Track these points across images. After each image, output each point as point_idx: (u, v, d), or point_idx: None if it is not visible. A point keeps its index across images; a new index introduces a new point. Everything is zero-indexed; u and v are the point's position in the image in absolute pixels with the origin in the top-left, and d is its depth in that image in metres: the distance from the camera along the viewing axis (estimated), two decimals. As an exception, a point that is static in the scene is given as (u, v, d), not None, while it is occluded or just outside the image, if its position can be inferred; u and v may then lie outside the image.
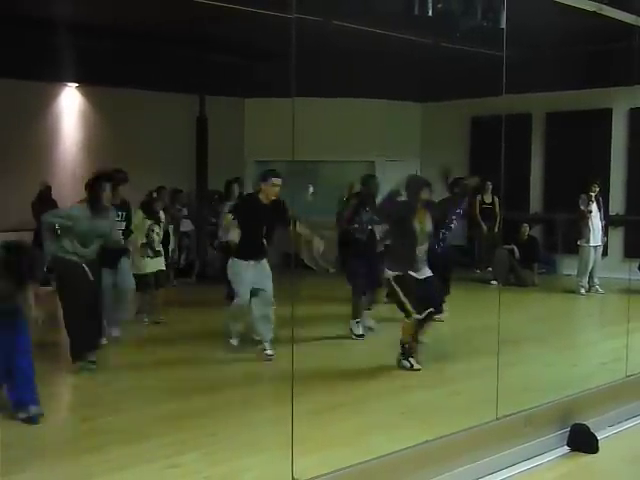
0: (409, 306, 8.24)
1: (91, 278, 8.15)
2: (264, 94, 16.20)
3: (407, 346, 8.39)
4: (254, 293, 8.83)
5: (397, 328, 8.57)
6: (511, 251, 14.87)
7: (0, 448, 5.22)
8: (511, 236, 15.02)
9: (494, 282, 14.62)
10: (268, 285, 8.88)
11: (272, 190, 8.82)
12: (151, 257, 10.68)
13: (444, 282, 10.59)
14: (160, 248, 10.91)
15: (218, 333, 9.54)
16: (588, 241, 13.72)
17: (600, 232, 13.82)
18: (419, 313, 8.24)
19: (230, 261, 9.02)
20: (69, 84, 15.15)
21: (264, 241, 8.98)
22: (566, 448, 6.43)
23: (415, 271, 8.33)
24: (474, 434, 5.95)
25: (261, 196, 8.91)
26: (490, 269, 15.68)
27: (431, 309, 8.34)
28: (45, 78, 14.12)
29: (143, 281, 10.46)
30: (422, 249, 8.42)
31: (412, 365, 8.31)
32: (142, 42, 13.98)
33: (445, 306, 10.17)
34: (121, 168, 9.84)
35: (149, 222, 10.75)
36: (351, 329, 10.08)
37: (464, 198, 11.17)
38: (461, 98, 17.28)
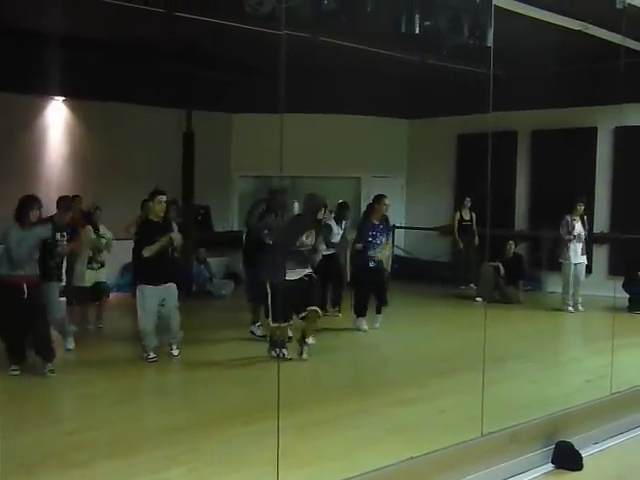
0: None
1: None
2: (252, 109, 16.22)
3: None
4: None
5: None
6: (496, 268, 14.89)
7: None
8: (496, 253, 15.05)
9: (479, 299, 14.65)
10: None
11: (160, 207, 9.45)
12: (94, 269, 11.06)
13: (381, 294, 11.59)
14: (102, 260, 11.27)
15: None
16: (569, 258, 13.76)
17: (581, 250, 13.84)
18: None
19: None
20: (56, 97, 15.11)
21: None
22: (551, 465, 6.43)
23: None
24: (459, 451, 5.95)
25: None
26: (472, 285, 15.76)
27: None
28: (31, 91, 14.08)
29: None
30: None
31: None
32: (130, 56, 13.99)
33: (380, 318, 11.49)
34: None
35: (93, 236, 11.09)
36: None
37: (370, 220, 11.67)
38: (448, 115, 17.35)
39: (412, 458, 5.69)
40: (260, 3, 8.26)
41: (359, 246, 11.46)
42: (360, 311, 11.56)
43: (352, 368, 9.54)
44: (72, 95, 14.90)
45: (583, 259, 13.97)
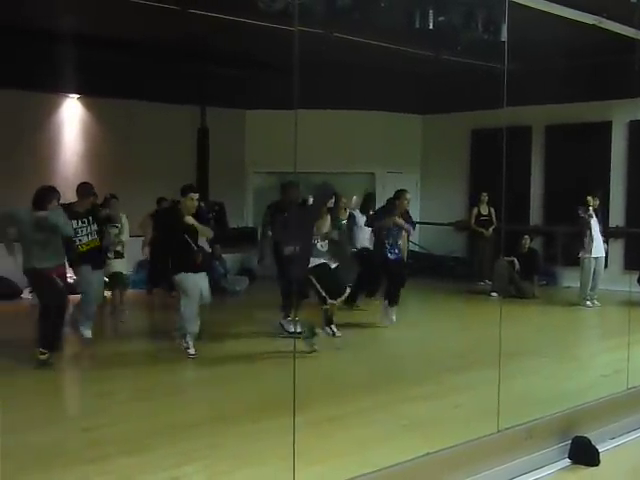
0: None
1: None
2: (265, 106, 16.23)
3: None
4: None
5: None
6: (511, 263, 14.85)
7: (0, 458, 5.21)
8: (511, 248, 15.02)
9: (494, 294, 14.62)
10: None
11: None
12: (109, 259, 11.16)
13: (396, 288, 11.51)
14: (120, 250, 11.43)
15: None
16: (589, 252, 13.70)
17: (601, 243, 13.80)
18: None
19: None
20: (71, 95, 15.17)
21: None
22: (567, 461, 6.41)
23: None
24: (475, 446, 5.94)
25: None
26: (488, 281, 15.74)
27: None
28: (47, 89, 14.15)
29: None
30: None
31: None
32: (144, 54, 14.03)
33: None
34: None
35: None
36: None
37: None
38: (461, 110, 17.31)
39: (428, 454, 5.68)
40: (274, 0, 8.27)
41: (381, 241, 11.37)
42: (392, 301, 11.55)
43: (367, 364, 9.51)
44: (87, 92, 14.95)
45: (603, 252, 13.90)
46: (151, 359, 9.41)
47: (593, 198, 13.71)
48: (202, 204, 13.79)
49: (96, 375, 8.69)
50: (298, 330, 9.79)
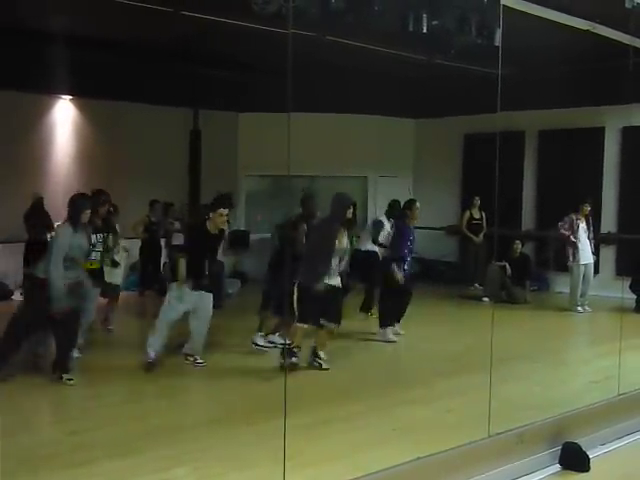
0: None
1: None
2: (258, 109, 16.22)
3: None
4: None
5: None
6: (503, 268, 14.86)
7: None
8: (503, 253, 15.02)
9: (485, 299, 14.62)
10: None
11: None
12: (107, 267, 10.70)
13: (402, 302, 11.17)
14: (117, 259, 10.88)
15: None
16: (577, 260, 13.71)
17: (589, 250, 13.81)
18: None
19: None
20: (63, 96, 15.13)
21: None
22: (558, 466, 6.41)
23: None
24: (466, 451, 5.94)
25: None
26: (477, 285, 15.76)
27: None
28: (39, 90, 14.10)
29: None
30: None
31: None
32: (137, 55, 14.01)
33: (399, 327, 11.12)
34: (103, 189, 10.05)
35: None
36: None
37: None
38: (455, 115, 17.33)
39: (419, 458, 5.68)
40: (267, 2, 8.24)
41: (396, 254, 10.92)
42: (390, 321, 11.06)
43: (358, 369, 9.51)
44: (79, 94, 14.92)
45: (591, 259, 13.93)
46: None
47: (587, 205, 13.75)
48: (172, 208, 13.77)
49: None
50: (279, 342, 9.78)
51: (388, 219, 12.40)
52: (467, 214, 16.53)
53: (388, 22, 9.92)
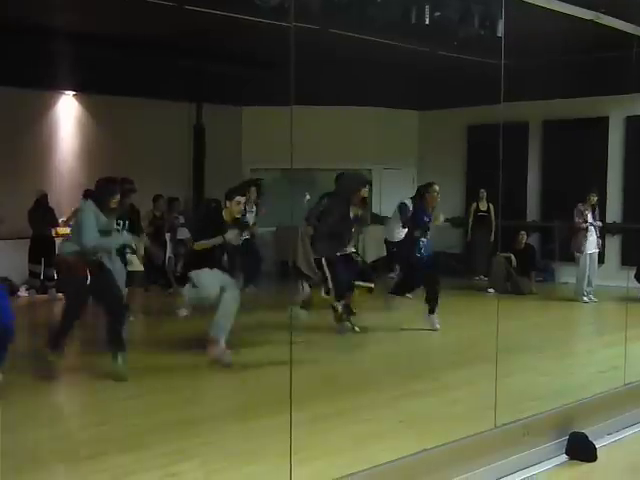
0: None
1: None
2: (262, 102, 16.21)
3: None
4: None
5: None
6: (508, 259, 14.84)
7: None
8: (508, 244, 15.01)
9: (491, 290, 14.62)
10: None
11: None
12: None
13: (434, 289, 11.21)
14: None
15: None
16: (584, 249, 13.70)
17: (595, 239, 13.80)
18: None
19: None
20: (66, 92, 15.15)
21: None
22: (564, 457, 6.40)
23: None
24: (472, 442, 5.93)
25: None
26: (483, 277, 15.75)
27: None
28: (42, 86, 14.12)
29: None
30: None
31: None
32: (140, 50, 14.00)
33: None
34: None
35: None
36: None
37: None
38: (458, 106, 17.30)
39: (425, 450, 5.68)
40: (269, -5, 8.24)
41: (416, 233, 11.02)
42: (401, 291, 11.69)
43: (364, 361, 9.52)
44: (82, 90, 14.93)
45: (597, 248, 13.91)
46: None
47: (594, 195, 13.73)
48: (177, 202, 13.83)
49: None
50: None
51: (413, 204, 11.80)
52: (473, 206, 16.54)
53: (391, 14, 9.92)
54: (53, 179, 14.65)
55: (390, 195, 13.15)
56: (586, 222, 13.62)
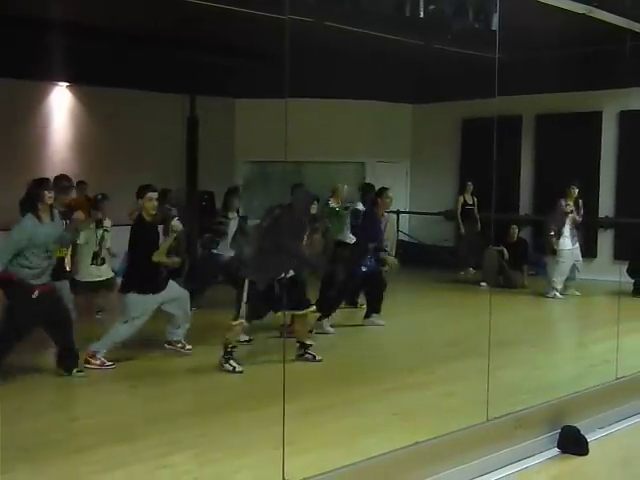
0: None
1: None
2: (255, 95, 16.19)
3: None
4: None
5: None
6: (501, 252, 14.85)
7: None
8: (500, 237, 15.02)
9: (483, 284, 14.64)
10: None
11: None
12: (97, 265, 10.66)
13: (377, 298, 10.83)
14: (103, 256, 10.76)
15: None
16: (565, 245, 13.58)
17: (575, 234, 13.67)
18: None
19: None
20: (59, 83, 15.09)
21: None
22: (556, 450, 6.44)
23: None
24: (465, 435, 5.96)
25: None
26: (472, 270, 15.78)
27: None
28: (35, 77, 14.06)
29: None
30: None
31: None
32: (133, 42, 13.95)
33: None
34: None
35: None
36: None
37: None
38: (452, 100, 17.30)
39: (418, 443, 5.69)
40: (264, -13, 8.23)
41: (371, 245, 10.55)
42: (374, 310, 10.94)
43: (357, 354, 9.53)
44: (76, 81, 14.88)
45: (577, 243, 13.79)
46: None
47: (574, 188, 13.61)
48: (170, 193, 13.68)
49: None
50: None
51: (364, 205, 11.43)
52: (461, 199, 16.55)
53: (385, 7, 9.91)
54: (46, 170, 14.59)
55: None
56: (567, 216, 13.43)
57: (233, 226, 11.44)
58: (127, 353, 8.61)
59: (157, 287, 8.62)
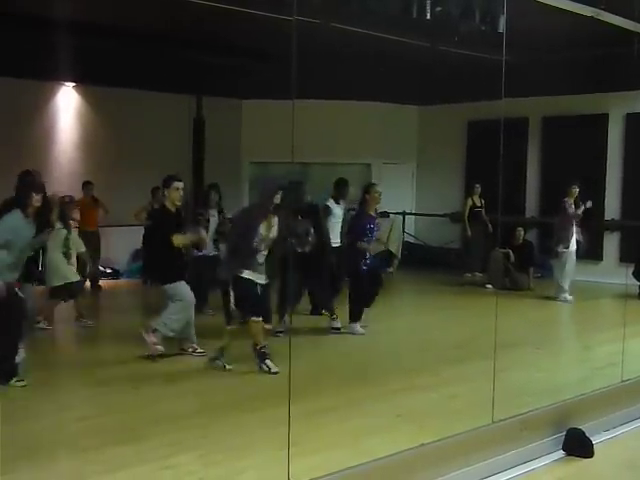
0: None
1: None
2: (262, 96, 16.20)
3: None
4: None
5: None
6: (506, 255, 14.83)
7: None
8: (506, 239, 14.99)
9: (489, 286, 14.61)
10: None
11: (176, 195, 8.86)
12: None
13: (370, 298, 10.54)
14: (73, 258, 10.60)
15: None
16: (570, 245, 13.56)
17: (575, 236, 13.65)
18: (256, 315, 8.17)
19: None
20: (66, 83, 15.13)
21: None
22: (561, 452, 6.43)
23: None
24: (470, 437, 5.95)
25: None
26: (477, 273, 15.75)
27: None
28: (42, 77, 14.10)
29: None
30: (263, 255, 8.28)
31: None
32: (140, 42, 13.96)
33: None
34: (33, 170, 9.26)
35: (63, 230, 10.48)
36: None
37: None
38: (458, 101, 17.30)
39: (423, 445, 5.69)
40: (271, -11, 8.24)
41: (361, 244, 10.30)
42: (356, 316, 10.52)
43: (362, 355, 9.52)
44: (83, 81, 14.91)
45: (575, 245, 13.76)
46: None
47: (575, 188, 13.57)
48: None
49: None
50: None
51: (337, 202, 11.19)
52: (469, 201, 16.52)
53: (392, 9, 9.90)
54: (52, 170, 14.62)
55: (389, 189, 13.14)
56: (573, 217, 13.38)
57: (213, 224, 11.24)
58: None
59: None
